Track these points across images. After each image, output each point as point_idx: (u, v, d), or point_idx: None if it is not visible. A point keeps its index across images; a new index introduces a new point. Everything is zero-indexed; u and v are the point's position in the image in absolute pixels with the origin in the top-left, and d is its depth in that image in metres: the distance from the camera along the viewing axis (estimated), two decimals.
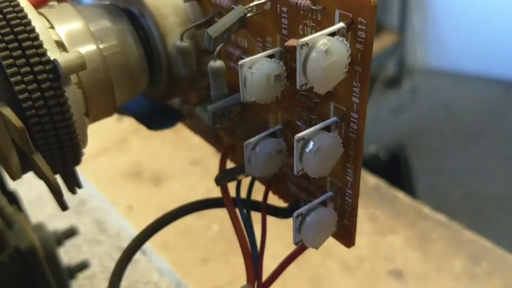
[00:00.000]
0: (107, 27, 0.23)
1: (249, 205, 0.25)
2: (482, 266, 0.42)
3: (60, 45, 0.22)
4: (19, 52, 0.20)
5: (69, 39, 0.22)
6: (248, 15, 0.21)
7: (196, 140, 0.57)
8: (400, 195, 0.48)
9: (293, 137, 0.23)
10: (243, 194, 0.26)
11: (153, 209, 0.49)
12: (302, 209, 0.21)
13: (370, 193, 0.48)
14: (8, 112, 0.19)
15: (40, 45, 0.20)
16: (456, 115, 1.42)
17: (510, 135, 1.34)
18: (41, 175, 0.21)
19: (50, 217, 0.47)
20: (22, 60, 0.20)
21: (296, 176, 0.24)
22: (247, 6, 0.21)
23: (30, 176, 0.48)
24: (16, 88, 0.19)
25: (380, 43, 1.45)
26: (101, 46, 0.23)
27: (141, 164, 0.54)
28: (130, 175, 0.53)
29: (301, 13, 0.20)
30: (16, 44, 0.20)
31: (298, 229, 0.21)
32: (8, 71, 0.19)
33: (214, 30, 0.20)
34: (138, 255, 0.43)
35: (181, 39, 0.23)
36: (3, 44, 0.20)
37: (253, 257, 0.24)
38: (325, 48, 0.17)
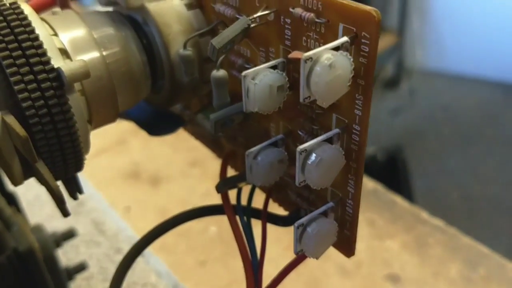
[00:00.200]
0: (110, 34, 0.23)
1: (249, 212, 0.25)
2: (478, 272, 0.42)
3: (64, 52, 0.22)
4: (23, 60, 0.20)
5: (73, 46, 0.22)
6: (252, 25, 0.21)
7: (195, 142, 0.58)
8: (398, 199, 0.48)
9: (295, 146, 0.23)
10: (243, 201, 0.26)
11: (152, 211, 0.49)
12: (303, 220, 0.21)
13: (368, 197, 0.48)
14: (11, 120, 0.19)
15: (44, 53, 0.20)
16: (454, 117, 1.42)
17: (508, 138, 1.35)
18: (43, 182, 0.21)
19: (48, 217, 0.47)
20: (26, 68, 0.20)
21: (297, 185, 0.24)
22: (250, 17, 0.21)
23: None
24: (19, 96, 0.20)
25: (379, 44, 1.44)
26: (104, 53, 0.23)
27: (140, 165, 0.54)
28: (129, 176, 0.53)
29: (304, 25, 0.20)
30: (19, 52, 0.20)
31: (299, 239, 0.21)
32: (12, 79, 0.19)
33: (218, 41, 0.20)
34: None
35: (184, 47, 0.23)
36: (7, 52, 0.20)
37: (253, 265, 0.24)
38: (329, 62, 0.17)
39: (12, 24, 0.20)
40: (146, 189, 0.52)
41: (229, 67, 0.25)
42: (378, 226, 0.45)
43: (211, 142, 0.29)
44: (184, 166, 0.54)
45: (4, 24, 0.20)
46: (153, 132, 0.27)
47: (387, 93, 1.51)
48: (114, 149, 0.54)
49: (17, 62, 0.20)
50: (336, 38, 0.19)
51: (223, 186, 0.25)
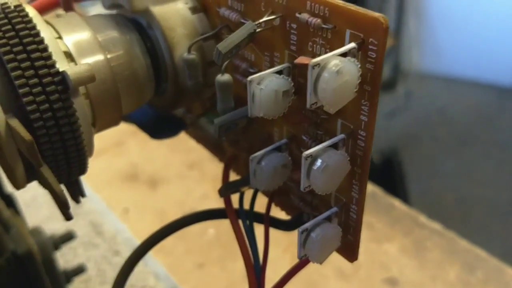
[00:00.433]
0: (114, 38, 0.23)
1: (251, 217, 0.25)
2: (477, 275, 0.42)
3: (68, 55, 0.22)
4: (28, 63, 0.20)
5: (77, 49, 0.22)
6: (257, 30, 0.21)
7: (193, 144, 0.57)
8: (396, 203, 0.48)
9: (298, 151, 0.23)
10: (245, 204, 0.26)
11: (150, 213, 0.49)
12: (307, 225, 0.21)
13: (367, 200, 0.48)
14: (16, 124, 0.19)
15: (49, 57, 0.20)
16: (449, 120, 1.42)
17: (503, 141, 1.35)
18: (47, 186, 0.21)
19: (46, 219, 0.47)
20: (31, 71, 0.20)
21: (300, 190, 0.24)
22: (256, 22, 0.21)
23: None
24: (24, 99, 0.19)
25: None
26: (108, 56, 0.23)
27: (138, 167, 0.54)
28: (127, 178, 0.53)
29: (311, 30, 0.20)
30: (24, 55, 0.20)
31: (303, 244, 0.21)
32: (16, 82, 0.19)
33: (224, 45, 0.20)
34: None
35: (189, 51, 0.23)
36: (12, 55, 0.20)
37: (255, 269, 0.24)
38: (336, 69, 0.17)
39: (17, 27, 0.20)
40: (144, 191, 0.52)
41: (233, 71, 0.25)
42: (377, 230, 0.45)
43: (213, 145, 0.29)
44: (182, 168, 0.54)
45: (9, 26, 0.20)
46: (155, 135, 0.27)
47: (383, 95, 1.51)
48: (112, 151, 0.53)
49: (22, 65, 0.20)
50: (342, 44, 0.19)
51: (225, 190, 0.25)
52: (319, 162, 0.19)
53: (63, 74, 0.20)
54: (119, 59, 0.23)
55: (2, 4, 0.21)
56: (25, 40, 0.20)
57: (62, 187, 0.22)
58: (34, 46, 0.20)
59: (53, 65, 0.20)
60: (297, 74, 0.21)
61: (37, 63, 0.20)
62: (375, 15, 0.18)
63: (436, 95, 1.51)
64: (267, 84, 0.20)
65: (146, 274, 0.42)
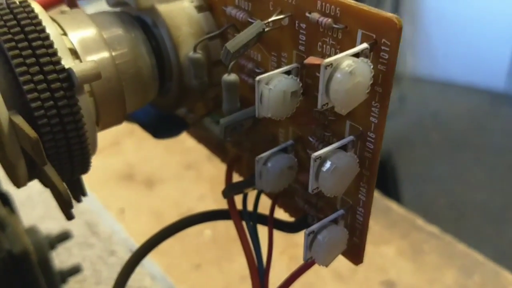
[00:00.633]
0: (120, 35, 0.23)
1: (255, 218, 0.25)
2: (474, 279, 0.42)
3: (73, 52, 0.21)
4: (33, 59, 0.19)
5: (82, 46, 0.22)
6: (266, 29, 0.21)
7: (190, 144, 0.57)
8: (394, 206, 0.48)
9: (304, 153, 0.23)
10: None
11: (146, 213, 0.48)
12: (314, 227, 0.21)
13: None
14: (20, 121, 0.19)
15: (55, 53, 0.20)
16: (443, 124, 1.43)
17: (495, 145, 1.36)
18: (49, 185, 0.20)
19: (40, 218, 0.47)
20: (36, 68, 0.19)
21: (305, 192, 0.24)
22: (265, 21, 0.21)
23: None
24: (29, 96, 0.19)
25: None
26: (113, 54, 0.22)
27: (134, 167, 0.53)
28: (123, 177, 0.52)
29: (320, 30, 0.20)
30: (30, 51, 0.19)
31: (309, 246, 0.21)
32: (21, 78, 0.19)
33: (232, 45, 0.20)
34: None
35: (194, 50, 0.23)
36: (17, 51, 0.19)
37: (259, 271, 0.24)
38: (350, 69, 0.17)
39: (23, 22, 0.20)
40: (140, 191, 0.51)
41: (238, 71, 0.24)
42: (374, 232, 0.45)
43: (215, 146, 0.29)
44: (179, 168, 0.54)
45: (14, 22, 0.20)
46: (158, 135, 0.27)
47: None
48: (108, 150, 0.53)
49: (27, 61, 0.19)
50: (353, 44, 0.19)
51: (229, 191, 0.25)
52: (328, 164, 0.19)
53: (68, 71, 0.19)
54: (124, 57, 0.23)
55: (8, 0, 0.20)
56: (30, 36, 0.19)
57: None
58: (39, 43, 0.19)
59: (58, 62, 0.19)
60: (305, 75, 0.21)
61: (43, 60, 0.19)
62: (389, 15, 0.17)
63: (430, 99, 1.51)
64: (276, 84, 0.19)
65: (142, 275, 0.41)
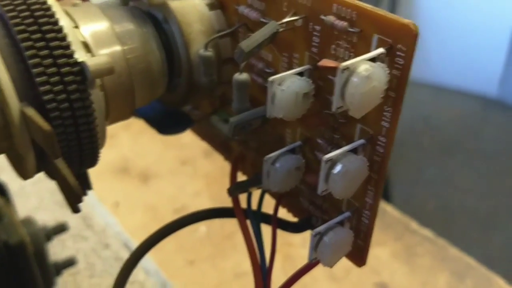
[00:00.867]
0: (131, 30, 0.23)
1: (259, 217, 0.25)
2: (466, 283, 0.42)
3: (85, 45, 0.21)
4: (46, 51, 0.19)
5: (94, 40, 0.21)
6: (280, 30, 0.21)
7: (186, 140, 0.57)
8: (388, 208, 0.49)
9: (311, 154, 0.23)
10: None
11: (140, 207, 0.48)
12: (321, 228, 0.21)
13: None
14: (32, 113, 0.19)
15: (68, 46, 0.19)
16: (434, 128, 1.44)
17: (485, 150, 1.37)
18: (59, 177, 0.20)
19: (34, 209, 0.46)
20: (49, 60, 0.19)
21: (311, 193, 0.24)
22: (280, 22, 0.21)
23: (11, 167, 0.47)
24: (41, 88, 0.19)
25: None
26: (125, 48, 0.22)
27: (129, 161, 0.53)
28: (118, 171, 0.52)
29: (335, 33, 0.20)
30: (43, 43, 0.19)
31: (315, 247, 0.21)
32: (34, 70, 0.19)
33: (246, 44, 0.20)
34: (124, 253, 0.43)
35: (205, 48, 0.23)
36: (30, 42, 0.19)
37: (262, 270, 0.24)
38: (367, 73, 0.17)
39: (36, 13, 0.20)
40: (135, 185, 0.51)
41: (248, 70, 0.24)
42: None
43: (219, 144, 0.29)
44: (175, 164, 0.54)
45: (28, 13, 0.20)
46: (163, 131, 0.27)
47: None
48: None
49: (40, 53, 0.19)
50: (368, 48, 0.19)
51: (235, 189, 0.25)
52: (339, 166, 0.19)
53: (81, 65, 0.19)
54: (135, 52, 0.23)
55: None
56: (44, 28, 0.19)
57: None
58: (53, 35, 0.19)
59: (71, 55, 0.19)
60: (317, 77, 0.21)
61: (56, 52, 0.19)
62: (406, 22, 0.18)
63: (423, 103, 1.52)
64: (289, 85, 0.20)
65: (136, 269, 0.41)
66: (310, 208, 0.24)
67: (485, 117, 1.51)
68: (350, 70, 0.17)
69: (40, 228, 0.35)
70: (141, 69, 0.23)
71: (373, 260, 0.43)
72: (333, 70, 0.19)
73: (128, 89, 0.22)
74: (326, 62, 0.19)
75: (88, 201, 0.48)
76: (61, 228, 0.37)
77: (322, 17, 0.20)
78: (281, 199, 0.25)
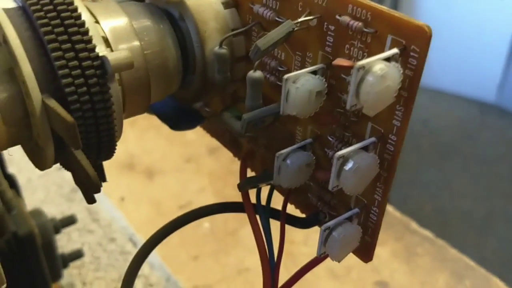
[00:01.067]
0: (148, 26, 0.23)
1: (268, 213, 0.25)
2: (465, 284, 0.43)
3: (105, 40, 0.22)
4: (69, 45, 0.20)
5: (113, 35, 0.22)
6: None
7: (190, 137, 0.58)
8: (390, 208, 0.49)
9: (321, 151, 0.24)
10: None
11: (145, 203, 0.49)
12: (330, 223, 0.22)
13: None
14: (54, 104, 0.19)
15: (90, 40, 0.20)
16: (433, 132, 1.45)
17: (482, 155, 1.38)
18: (77, 168, 0.21)
19: (40, 202, 0.47)
20: (71, 54, 0.20)
21: (319, 189, 0.25)
22: (295, 21, 0.21)
23: (19, 159, 0.47)
24: (63, 81, 0.19)
25: None
26: (142, 44, 0.23)
27: (135, 157, 0.54)
28: (124, 167, 0.53)
29: (349, 33, 0.20)
30: (66, 36, 0.20)
31: (324, 242, 0.22)
32: (56, 63, 0.19)
33: (263, 42, 0.21)
34: (129, 248, 0.44)
35: (220, 45, 0.24)
36: (53, 36, 0.20)
37: (270, 264, 0.25)
38: (382, 73, 0.18)
39: (59, 8, 0.20)
40: (140, 181, 0.52)
41: (260, 68, 0.25)
42: None
43: (229, 140, 0.30)
44: (179, 161, 0.54)
45: (51, 7, 0.20)
46: (175, 127, 0.27)
47: None
48: None
49: (63, 46, 0.20)
50: (382, 48, 0.19)
51: (245, 185, 0.25)
52: (351, 163, 0.20)
53: (102, 59, 0.20)
54: (152, 48, 0.23)
55: None
56: (66, 22, 0.20)
57: None
58: (75, 29, 0.20)
59: (93, 49, 0.20)
60: (330, 76, 0.22)
61: (78, 46, 0.20)
62: (420, 24, 0.18)
63: (422, 107, 1.53)
64: (303, 83, 0.20)
65: None
66: (318, 204, 0.25)
67: (483, 122, 1.52)
68: (365, 69, 0.18)
69: (49, 220, 0.36)
70: (158, 65, 0.23)
71: (373, 259, 0.44)
72: (347, 69, 0.20)
73: (144, 84, 0.23)
74: (340, 61, 0.20)
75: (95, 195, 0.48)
76: (69, 221, 0.38)
77: (338, 17, 0.20)
78: (289, 195, 0.26)
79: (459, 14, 1.60)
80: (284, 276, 0.25)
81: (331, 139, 0.23)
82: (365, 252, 0.24)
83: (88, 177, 0.20)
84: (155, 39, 0.23)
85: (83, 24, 0.20)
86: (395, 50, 0.18)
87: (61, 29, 0.20)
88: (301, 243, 0.45)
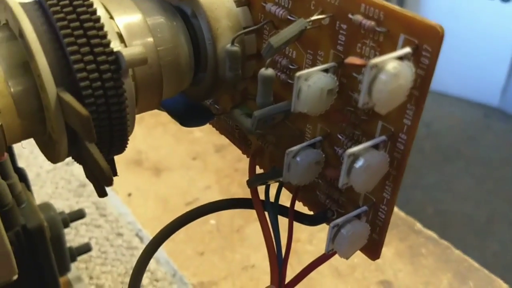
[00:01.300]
0: (162, 23, 0.24)
1: (276, 209, 0.26)
2: (469, 285, 0.43)
3: (120, 36, 0.22)
4: (84, 39, 0.20)
5: (128, 31, 0.22)
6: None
7: (197, 135, 0.58)
8: (395, 208, 0.49)
9: (331, 149, 0.24)
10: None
11: (152, 199, 0.49)
12: (339, 220, 0.22)
13: None
14: (69, 98, 0.20)
15: (105, 35, 0.20)
16: (436, 134, 1.45)
17: (485, 158, 1.38)
18: (90, 162, 0.21)
19: (48, 197, 0.47)
20: (86, 49, 0.20)
21: (328, 187, 0.25)
22: (308, 20, 0.21)
23: (28, 154, 0.48)
24: (78, 75, 0.20)
25: None
26: (156, 40, 0.23)
27: (143, 154, 0.54)
28: (131, 163, 0.53)
29: (361, 32, 0.21)
30: (81, 31, 0.20)
31: (332, 239, 0.22)
32: (72, 57, 0.20)
33: (276, 40, 0.21)
34: (136, 243, 0.44)
35: (232, 43, 0.24)
36: (69, 30, 0.20)
37: (278, 259, 0.25)
38: (395, 71, 0.18)
39: (75, 3, 0.20)
40: (148, 177, 0.52)
41: (271, 66, 0.25)
42: None
43: (237, 138, 0.30)
44: (186, 158, 0.54)
45: (67, 1, 0.20)
46: (185, 124, 0.28)
47: None
48: None
49: (78, 41, 0.20)
50: (394, 47, 0.20)
51: (254, 181, 0.25)
52: (361, 161, 0.20)
53: (117, 54, 0.20)
54: (165, 44, 0.23)
55: None
56: (82, 17, 0.20)
57: None
58: (91, 24, 0.20)
59: (108, 44, 0.20)
60: (341, 74, 0.22)
61: (93, 41, 0.20)
62: (433, 24, 0.18)
63: (425, 109, 1.52)
64: (315, 81, 0.20)
65: None
66: (327, 202, 0.25)
67: (486, 125, 1.52)
68: (378, 68, 0.18)
69: (58, 213, 0.36)
70: (170, 62, 0.24)
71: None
72: (359, 67, 0.20)
73: (157, 80, 0.23)
74: (353, 60, 0.20)
75: None
76: (78, 215, 0.38)
77: (350, 16, 0.21)
78: (298, 193, 0.26)
79: (463, 18, 1.60)
80: (289, 273, 0.25)
81: (341, 137, 0.23)
82: (373, 250, 0.24)
83: (101, 170, 0.20)
84: (168, 35, 0.24)
85: (98, 19, 0.20)
86: (408, 49, 0.19)
87: (76, 23, 0.20)
88: (306, 242, 0.45)
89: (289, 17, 0.23)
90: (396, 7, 0.19)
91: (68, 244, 0.38)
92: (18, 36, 0.20)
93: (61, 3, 0.20)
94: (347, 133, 0.23)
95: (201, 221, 0.46)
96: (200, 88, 0.26)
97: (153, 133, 0.57)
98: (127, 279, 0.31)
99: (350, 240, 0.22)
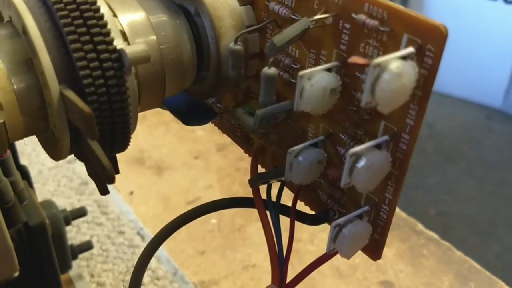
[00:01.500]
0: (165, 21, 0.24)
1: (278, 208, 0.26)
2: (470, 286, 0.43)
3: (123, 34, 0.22)
4: (87, 37, 0.20)
5: (131, 29, 0.22)
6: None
7: (199, 134, 0.58)
8: (396, 209, 0.49)
9: (333, 149, 0.24)
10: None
11: (154, 197, 0.49)
12: (340, 220, 0.22)
13: None
14: (72, 95, 0.20)
15: (108, 33, 0.20)
16: (438, 135, 1.45)
17: (487, 160, 1.38)
18: (92, 159, 0.21)
19: (50, 194, 0.47)
20: (89, 46, 0.20)
21: (330, 186, 0.25)
22: (311, 19, 0.21)
23: (30, 152, 0.48)
24: (81, 72, 0.20)
25: None
26: (158, 38, 0.23)
27: (144, 152, 0.54)
28: (133, 162, 0.53)
29: (365, 32, 0.21)
30: (84, 29, 0.20)
31: (333, 238, 0.22)
32: (75, 55, 0.20)
33: (279, 39, 0.21)
34: (137, 241, 0.44)
35: (235, 42, 0.24)
36: (72, 28, 0.20)
37: (279, 259, 0.25)
38: (398, 71, 0.18)
39: (78, 0, 0.20)
40: (149, 176, 0.52)
41: (274, 65, 0.25)
42: None
43: (240, 137, 0.30)
44: (188, 157, 0.54)
45: None
46: (187, 122, 0.28)
47: None
48: None
49: (81, 38, 0.20)
50: (397, 47, 0.20)
51: (256, 180, 0.25)
52: (363, 160, 0.20)
53: (120, 52, 0.20)
54: (168, 43, 0.23)
55: None
56: (85, 14, 0.20)
57: None
58: (94, 21, 0.20)
59: (111, 42, 0.20)
60: (344, 73, 0.22)
61: (96, 39, 0.20)
62: (436, 23, 0.18)
63: (428, 110, 1.53)
64: (318, 80, 0.20)
65: None
66: (328, 202, 0.25)
67: (488, 127, 1.52)
68: (381, 67, 0.18)
69: (60, 211, 0.36)
70: (173, 60, 0.24)
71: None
72: (362, 66, 0.20)
73: (160, 78, 0.23)
74: (356, 59, 0.20)
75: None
76: (80, 213, 0.38)
77: (354, 15, 0.21)
78: (299, 192, 0.26)
79: (466, 19, 1.60)
80: (289, 273, 0.25)
81: (343, 137, 0.23)
82: (374, 250, 0.24)
83: (103, 168, 0.20)
84: (171, 34, 0.24)
85: (102, 17, 0.20)
86: (411, 49, 0.19)
87: (80, 21, 0.20)
88: (307, 242, 0.45)
89: (292, 16, 0.23)
90: (399, 7, 0.19)
91: (69, 242, 0.38)
92: (21, 33, 0.20)
93: (64, 0, 0.20)
94: (350, 132, 0.23)
95: (202, 220, 0.46)
96: (203, 86, 0.26)
97: (155, 132, 0.57)
98: (128, 277, 0.31)
99: (351, 240, 0.22)
